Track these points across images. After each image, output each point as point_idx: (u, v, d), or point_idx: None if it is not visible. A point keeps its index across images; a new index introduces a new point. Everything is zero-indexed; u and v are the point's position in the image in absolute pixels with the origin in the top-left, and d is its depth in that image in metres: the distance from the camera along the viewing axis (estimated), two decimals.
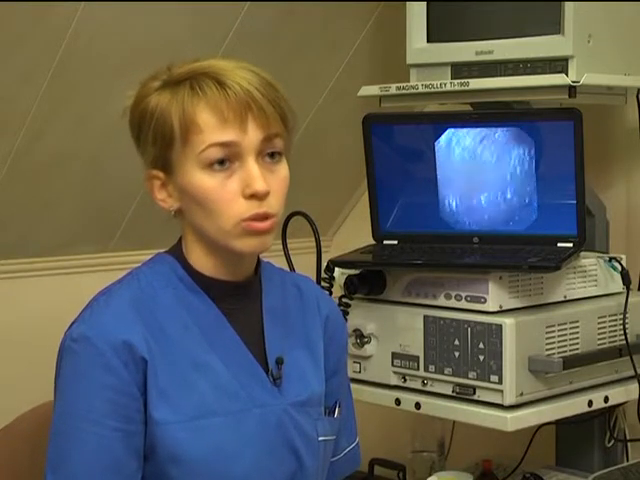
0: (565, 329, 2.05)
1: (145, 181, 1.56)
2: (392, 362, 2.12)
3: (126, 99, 1.56)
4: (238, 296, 1.59)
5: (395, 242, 2.22)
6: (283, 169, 1.54)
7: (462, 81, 2.18)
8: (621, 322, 2.12)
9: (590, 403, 2.10)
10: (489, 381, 1.98)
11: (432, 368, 2.06)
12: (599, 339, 2.11)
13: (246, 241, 1.51)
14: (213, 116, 1.48)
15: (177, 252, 1.59)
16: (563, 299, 2.10)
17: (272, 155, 1.52)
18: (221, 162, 1.49)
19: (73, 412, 1.48)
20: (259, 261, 1.62)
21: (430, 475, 2.24)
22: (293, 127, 1.56)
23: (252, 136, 1.49)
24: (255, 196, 1.48)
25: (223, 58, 1.55)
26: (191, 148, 1.49)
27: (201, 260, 1.57)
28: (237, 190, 1.49)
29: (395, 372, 2.13)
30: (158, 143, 1.51)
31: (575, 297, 2.13)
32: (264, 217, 1.50)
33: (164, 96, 1.51)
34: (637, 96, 2.31)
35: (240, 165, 1.49)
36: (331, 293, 2.16)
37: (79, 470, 1.47)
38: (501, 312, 2.00)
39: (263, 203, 1.49)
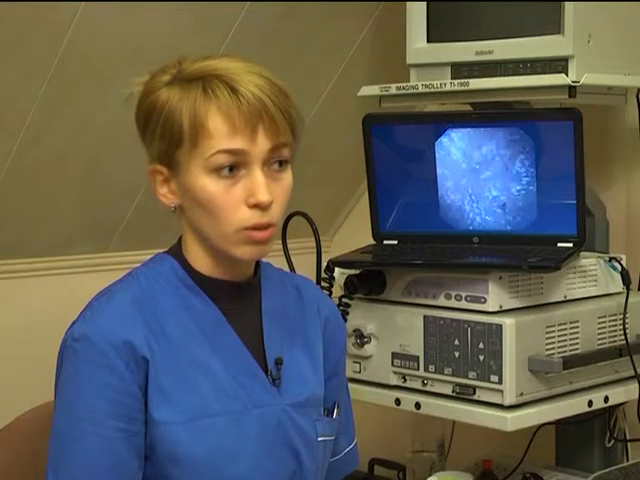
0: (565, 329, 2.05)
1: (148, 174, 1.55)
2: (392, 362, 2.12)
3: (133, 85, 1.55)
4: (237, 296, 1.58)
5: (395, 242, 2.22)
6: (287, 178, 1.54)
7: (462, 81, 2.18)
8: (621, 322, 2.12)
9: (590, 403, 2.10)
10: (489, 381, 1.98)
11: (432, 368, 2.06)
12: (599, 339, 2.11)
13: (245, 249, 1.51)
14: (224, 122, 1.47)
15: (177, 252, 1.59)
16: (563, 299, 2.10)
17: (279, 163, 1.52)
18: (230, 169, 1.48)
19: (74, 412, 1.48)
20: (258, 262, 1.62)
21: (430, 475, 2.23)
22: (301, 135, 1.55)
23: (261, 145, 1.48)
24: (258, 206, 1.48)
25: (234, 58, 1.53)
26: (199, 151, 1.48)
27: (200, 260, 1.57)
28: (241, 197, 1.49)
29: (395, 372, 2.13)
30: (166, 140, 1.50)
31: (575, 297, 2.13)
32: (265, 226, 1.50)
33: (174, 92, 1.50)
34: (637, 96, 2.31)
35: (246, 173, 1.49)
36: (331, 293, 2.16)
37: (81, 471, 1.47)
38: (501, 312, 2.00)
39: (266, 213, 1.49)
